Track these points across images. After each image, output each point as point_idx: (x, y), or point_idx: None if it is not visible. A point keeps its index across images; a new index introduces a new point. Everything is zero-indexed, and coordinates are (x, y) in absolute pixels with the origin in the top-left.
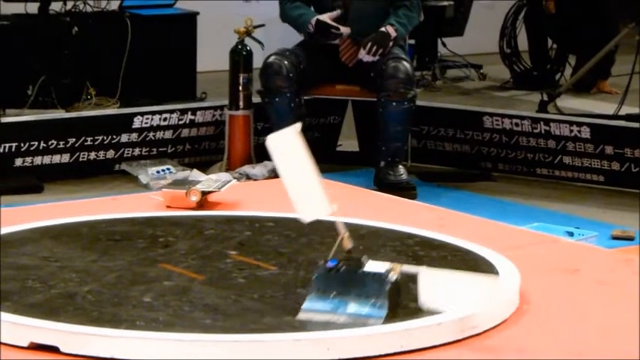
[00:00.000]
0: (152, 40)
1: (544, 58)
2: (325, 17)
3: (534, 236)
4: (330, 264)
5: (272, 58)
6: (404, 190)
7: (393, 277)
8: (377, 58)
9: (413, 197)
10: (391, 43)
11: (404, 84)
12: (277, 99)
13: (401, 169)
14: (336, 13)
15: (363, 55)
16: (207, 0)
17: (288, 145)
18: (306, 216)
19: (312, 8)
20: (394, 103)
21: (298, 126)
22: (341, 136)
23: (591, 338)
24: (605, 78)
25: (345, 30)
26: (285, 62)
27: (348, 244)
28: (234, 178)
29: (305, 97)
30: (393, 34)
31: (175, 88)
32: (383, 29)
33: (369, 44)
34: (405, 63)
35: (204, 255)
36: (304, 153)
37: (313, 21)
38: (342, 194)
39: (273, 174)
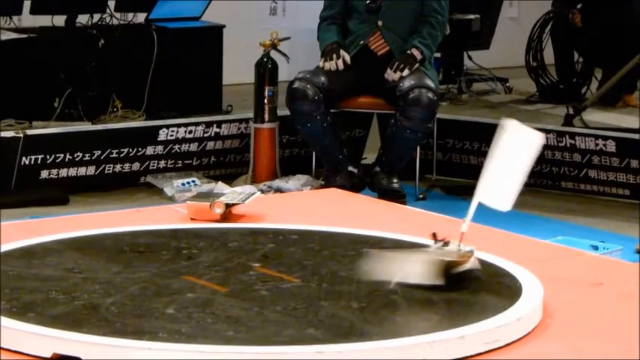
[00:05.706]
0: (178, 53)
1: (570, 71)
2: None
3: (558, 250)
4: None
5: (296, 84)
6: (395, 198)
7: None
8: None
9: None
10: (417, 64)
11: (424, 116)
12: (309, 124)
13: (394, 179)
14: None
15: (390, 75)
16: (234, 13)
17: (522, 137)
18: (484, 199)
19: (347, 12)
20: (408, 131)
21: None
22: (366, 149)
23: (614, 352)
24: (631, 92)
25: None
26: (309, 86)
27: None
28: (260, 190)
29: (332, 111)
30: (419, 56)
31: (201, 100)
32: (409, 52)
33: (396, 64)
34: (430, 95)
35: (228, 267)
36: (529, 155)
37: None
38: (367, 207)
39: (306, 188)
